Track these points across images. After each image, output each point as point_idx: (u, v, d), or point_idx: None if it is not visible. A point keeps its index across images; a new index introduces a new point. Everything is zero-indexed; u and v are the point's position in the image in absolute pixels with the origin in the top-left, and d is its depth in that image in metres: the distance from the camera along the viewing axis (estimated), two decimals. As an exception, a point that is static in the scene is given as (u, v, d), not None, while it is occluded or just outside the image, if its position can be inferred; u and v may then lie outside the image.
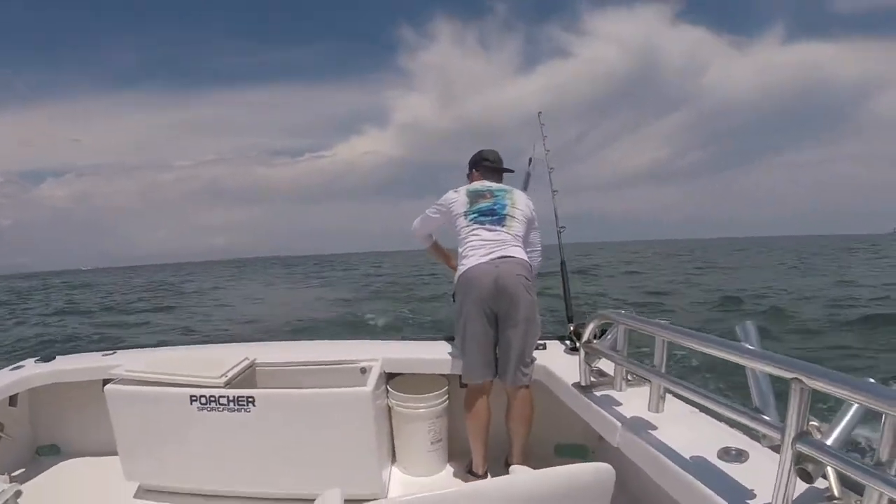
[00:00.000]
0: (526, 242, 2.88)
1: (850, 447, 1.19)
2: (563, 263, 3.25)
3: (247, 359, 2.90)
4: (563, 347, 2.98)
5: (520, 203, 2.89)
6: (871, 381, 1.06)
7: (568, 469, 1.12)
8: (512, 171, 3.18)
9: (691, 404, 1.93)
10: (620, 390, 2.15)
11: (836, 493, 1.23)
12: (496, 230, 2.77)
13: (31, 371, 3.18)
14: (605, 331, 2.22)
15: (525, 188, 3.30)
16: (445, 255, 3.37)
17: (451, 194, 2.98)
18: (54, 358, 3.37)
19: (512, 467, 1.98)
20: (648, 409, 1.94)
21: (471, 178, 3.16)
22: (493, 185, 2.99)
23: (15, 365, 3.30)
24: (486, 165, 3.11)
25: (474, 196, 2.91)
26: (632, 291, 19.34)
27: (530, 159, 3.42)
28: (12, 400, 3.09)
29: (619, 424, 1.95)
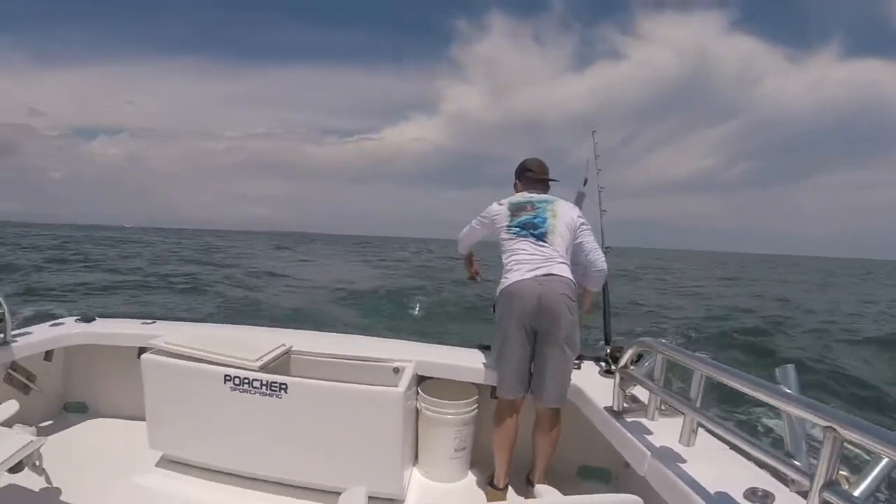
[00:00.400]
0: (581, 250, 2.84)
1: (880, 500, 1.19)
2: (605, 285, 3.20)
3: (283, 345, 2.93)
4: (599, 369, 2.94)
5: (562, 214, 2.83)
6: None
7: (599, 499, 1.13)
8: (556, 181, 3.13)
9: (723, 440, 1.92)
10: (653, 419, 2.12)
11: None
12: (540, 245, 2.72)
13: (70, 329, 3.28)
14: (642, 356, 2.19)
15: (579, 206, 3.27)
16: (472, 263, 3.42)
17: (494, 206, 2.95)
18: (94, 319, 3.47)
19: (537, 488, 1.96)
20: (679, 442, 1.89)
21: (516, 189, 3.13)
22: (536, 196, 2.94)
23: (55, 321, 3.40)
24: (529, 176, 3.06)
25: (516, 208, 2.88)
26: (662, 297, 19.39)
27: (585, 180, 3.35)
28: (48, 355, 3.20)
29: (648, 453, 1.93)
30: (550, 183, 3.10)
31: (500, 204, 2.94)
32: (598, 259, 2.90)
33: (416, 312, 13.49)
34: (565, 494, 1.28)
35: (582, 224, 2.87)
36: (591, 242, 2.90)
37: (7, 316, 2.84)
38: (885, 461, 1.18)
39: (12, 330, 2.95)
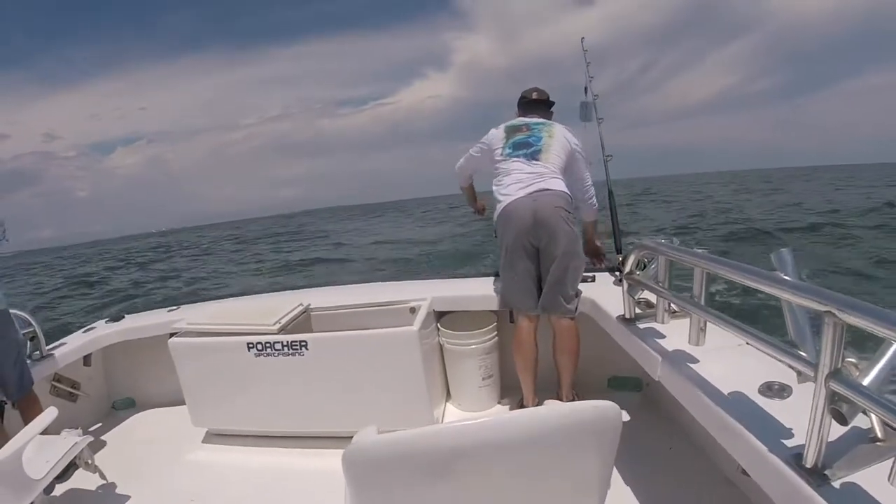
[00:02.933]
0: (572, 178, 2.79)
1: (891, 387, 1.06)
2: (610, 193, 3.13)
3: (301, 304, 2.98)
4: (612, 280, 2.91)
5: (557, 135, 2.79)
6: None
7: (573, 405, 1.13)
8: (553, 103, 3.04)
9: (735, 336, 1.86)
10: (663, 322, 2.10)
11: (878, 433, 1.15)
12: (533, 163, 2.69)
13: (102, 332, 3.38)
14: (650, 261, 2.14)
15: (588, 118, 3.20)
16: (475, 197, 3.38)
17: (491, 131, 2.93)
18: (123, 317, 3.58)
19: (546, 402, 1.99)
20: (689, 342, 1.86)
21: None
22: (532, 119, 2.91)
23: (86, 327, 3.51)
24: (524, 102, 3.03)
25: (511, 130, 2.86)
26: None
27: (586, 88, 3.26)
28: (86, 360, 3.30)
29: (659, 358, 1.90)
30: (553, 109, 3.05)
31: (497, 128, 2.92)
32: (589, 191, 2.91)
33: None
34: None
35: (577, 150, 2.83)
36: (584, 171, 2.87)
37: (39, 332, 2.93)
38: (894, 346, 1.08)
39: (46, 344, 3.04)
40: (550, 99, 3.04)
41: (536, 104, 3.00)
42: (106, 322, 3.54)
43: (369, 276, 11.94)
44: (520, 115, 3.02)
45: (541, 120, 2.90)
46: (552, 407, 1.09)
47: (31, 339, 2.93)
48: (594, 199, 2.97)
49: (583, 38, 3.46)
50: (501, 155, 2.80)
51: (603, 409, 1.10)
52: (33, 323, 2.92)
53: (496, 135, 2.89)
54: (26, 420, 2.50)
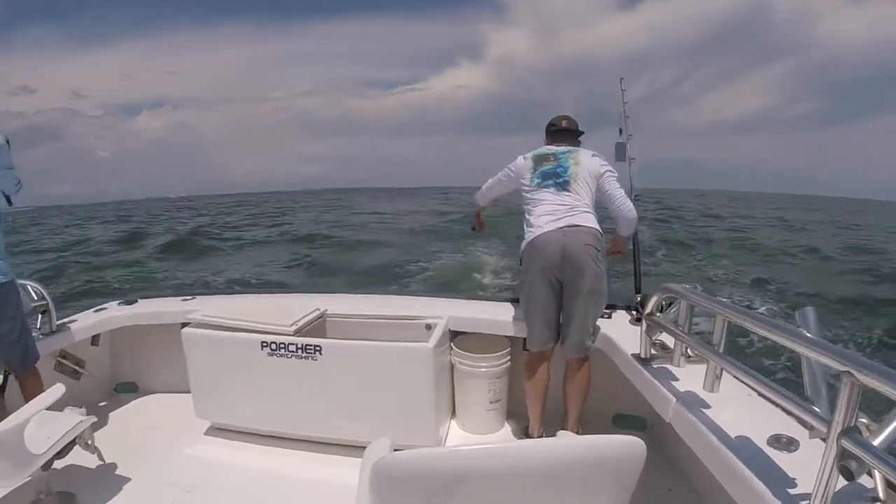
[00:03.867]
0: (606, 198, 2.78)
1: None
2: (634, 233, 3.14)
3: (317, 309, 2.99)
4: (630, 318, 2.92)
5: (584, 162, 2.77)
6: None
7: (597, 440, 1.11)
8: (582, 133, 3.03)
9: (748, 386, 1.86)
10: (679, 366, 2.13)
11: (881, 494, 1.18)
12: (563, 194, 2.68)
13: (114, 313, 3.40)
14: (671, 304, 2.17)
15: (622, 158, 3.16)
16: (480, 221, 3.44)
17: (519, 160, 2.92)
18: (136, 301, 3.59)
19: (558, 434, 1.99)
20: (703, 388, 1.90)
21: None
22: (559, 147, 2.89)
23: (99, 307, 3.52)
24: (554, 129, 3.01)
25: (538, 159, 2.85)
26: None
27: (620, 129, 3.25)
28: (94, 340, 3.32)
29: (673, 400, 1.92)
30: (581, 137, 3.03)
31: (525, 158, 2.91)
32: (627, 207, 2.80)
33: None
34: None
35: (606, 172, 2.80)
36: (617, 190, 2.81)
37: (51, 306, 2.94)
38: None
39: (57, 320, 3.05)
40: (580, 129, 3.03)
41: (564, 133, 2.98)
42: (119, 304, 3.55)
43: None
44: (547, 143, 3.01)
45: (568, 148, 2.88)
46: (583, 438, 1.08)
47: (43, 312, 2.94)
48: (633, 210, 2.83)
49: (622, 78, 3.44)
50: (530, 185, 2.80)
51: (630, 445, 1.10)
52: (46, 296, 2.93)
53: (524, 165, 2.88)
54: (26, 395, 2.51)
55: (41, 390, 2.46)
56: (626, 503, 1.18)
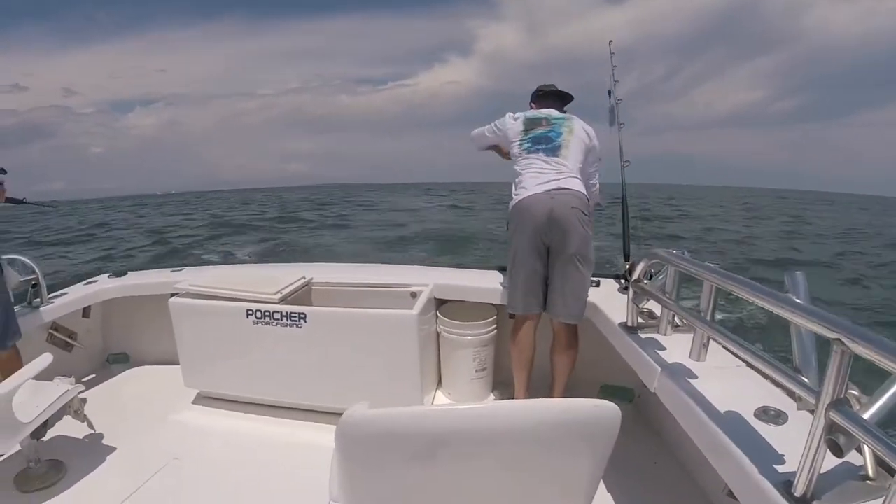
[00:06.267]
0: (584, 174, 2.76)
1: (891, 425, 1.04)
2: (623, 198, 3.10)
3: (303, 277, 2.99)
4: (618, 286, 2.90)
5: (578, 131, 2.76)
6: None
7: (572, 402, 1.09)
8: (571, 98, 3.00)
9: (736, 356, 1.83)
10: (666, 334, 2.10)
11: (870, 472, 1.14)
12: (552, 159, 2.66)
13: (104, 285, 3.40)
14: (659, 272, 2.12)
15: (612, 122, 3.13)
16: (498, 149, 3.16)
17: (508, 119, 2.88)
18: (126, 273, 3.60)
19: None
20: (690, 357, 1.87)
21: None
22: (552, 113, 2.87)
23: (89, 279, 3.53)
24: (540, 94, 2.99)
25: (531, 122, 2.81)
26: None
27: (609, 92, 3.20)
28: (85, 311, 3.33)
29: (658, 370, 1.88)
30: (567, 104, 3.00)
31: (515, 118, 2.87)
32: (594, 184, 2.89)
33: None
34: None
35: (594, 144, 2.81)
36: (597, 169, 2.88)
37: (41, 280, 2.94)
38: None
39: (48, 293, 3.05)
40: (570, 93, 3.00)
41: (553, 97, 2.97)
42: (109, 276, 3.55)
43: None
44: (536, 107, 2.98)
45: (562, 115, 2.86)
46: (554, 400, 1.06)
47: (34, 286, 2.94)
48: (597, 188, 2.92)
49: (611, 41, 3.39)
50: (520, 148, 2.76)
51: (603, 409, 1.07)
52: (36, 270, 2.93)
53: (514, 126, 2.84)
54: (4, 373, 2.44)
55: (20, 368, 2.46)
56: (602, 467, 1.16)
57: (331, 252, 14.94)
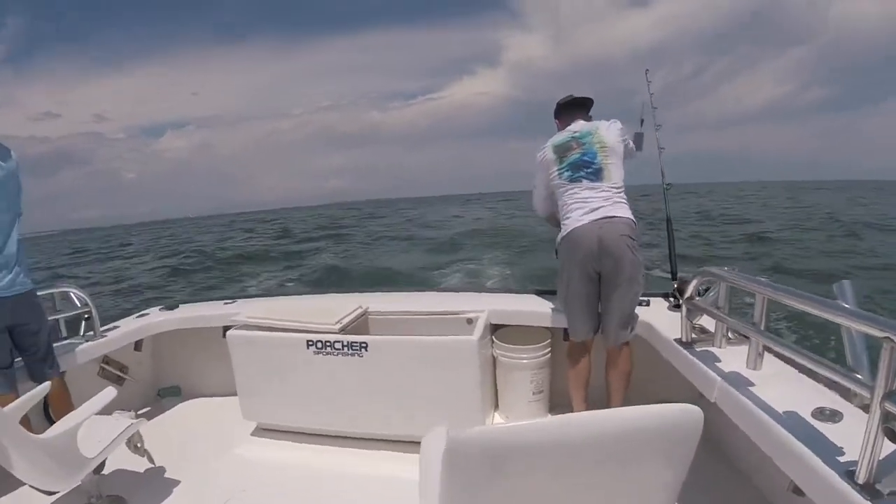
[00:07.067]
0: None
1: None
2: (668, 221, 3.15)
3: (360, 307, 3.03)
4: (667, 304, 2.94)
5: (607, 139, 2.70)
6: None
7: (656, 409, 1.10)
8: (592, 101, 2.93)
9: (788, 363, 1.95)
10: (720, 347, 2.18)
11: None
12: (596, 185, 2.65)
13: (156, 318, 3.44)
14: (709, 289, 2.22)
15: (639, 149, 3.08)
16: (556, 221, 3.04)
17: (538, 156, 2.85)
18: (178, 307, 3.65)
19: None
20: (747, 367, 1.95)
21: (557, 129, 2.94)
22: (577, 128, 2.79)
23: (141, 313, 3.58)
24: (562, 105, 2.92)
25: (561, 149, 2.76)
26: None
27: (642, 120, 3.19)
28: (137, 345, 3.36)
29: (717, 380, 1.94)
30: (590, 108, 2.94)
31: (542, 150, 2.82)
32: (635, 156, 2.90)
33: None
34: None
35: (627, 144, 2.79)
36: (630, 155, 2.84)
37: (94, 312, 2.99)
38: None
39: (101, 326, 3.10)
40: (589, 97, 2.93)
41: (575, 107, 2.90)
42: (160, 309, 3.60)
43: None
44: (560, 125, 2.91)
45: (585, 129, 2.77)
46: (646, 407, 1.08)
47: (87, 318, 2.99)
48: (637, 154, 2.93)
49: (647, 70, 3.40)
50: (560, 178, 2.73)
51: (688, 412, 1.11)
52: (89, 303, 2.98)
53: (546, 157, 2.80)
54: (54, 409, 2.54)
55: (66, 401, 2.52)
56: (685, 472, 1.19)
57: (388, 268, 15.05)
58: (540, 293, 3.26)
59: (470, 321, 2.91)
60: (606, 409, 1.08)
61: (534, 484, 1.12)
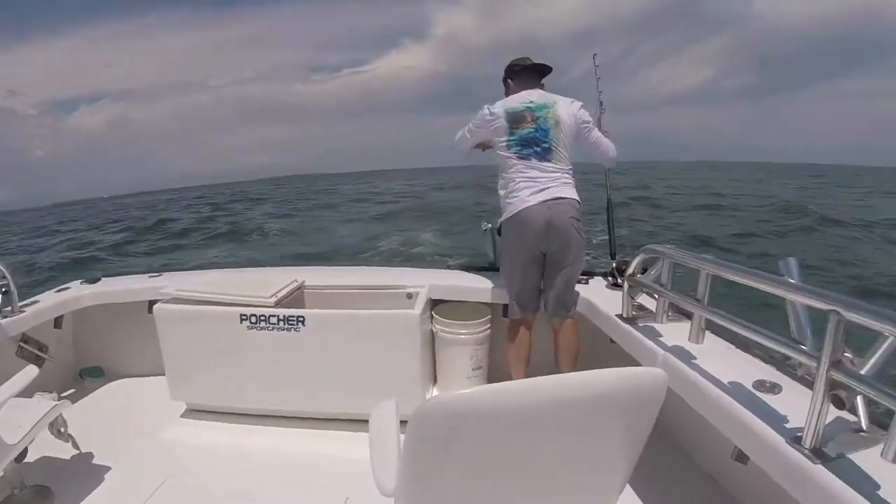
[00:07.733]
0: (588, 146, 2.77)
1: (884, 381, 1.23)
2: (608, 202, 3.22)
3: (296, 280, 2.94)
4: (606, 283, 3.00)
5: (565, 119, 2.64)
6: None
7: (624, 371, 1.10)
8: (550, 69, 2.80)
9: (730, 338, 2.02)
10: (662, 323, 2.23)
11: (863, 425, 1.29)
12: (544, 164, 2.62)
13: (77, 293, 3.18)
14: (646, 269, 2.27)
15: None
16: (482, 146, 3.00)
17: (486, 114, 2.71)
18: (100, 279, 3.39)
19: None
20: (689, 340, 2.01)
21: (508, 90, 2.83)
22: (534, 99, 2.69)
23: (60, 287, 3.29)
24: (517, 69, 2.78)
25: (513, 119, 2.65)
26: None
27: (601, 102, 3.14)
28: (57, 322, 3.11)
29: (660, 353, 1.99)
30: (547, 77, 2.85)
31: (493, 112, 2.69)
32: (611, 150, 2.85)
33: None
34: None
35: (584, 123, 2.73)
36: (599, 138, 2.80)
37: (12, 286, 2.73)
38: (889, 340, 1.23)
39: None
40: (548, 65, 2.80)
41: (532, 73, 2.78)
42: (81, 283, 3.33)
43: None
44: (514, 89, 2.78)
45: (543, 101, 2.68)
46: (613, 370, 1.08)
47: (4, 292, 2.72)
48: (614, 149, 2.86)
49: (595, 54, 3.34)
50: (508, 151, 2.66)
51: (656, 375, 1.11)
52: (7, 276, 2.72)
53: (495, 123, 2.67)
54: None
55: None
56: (645, 437, 1.20)
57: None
58: (479, 270, 3.26)
59: (410, 296, 2.88)
60: (575, 373, 1.08)
61: (503, 448, 1.10)
